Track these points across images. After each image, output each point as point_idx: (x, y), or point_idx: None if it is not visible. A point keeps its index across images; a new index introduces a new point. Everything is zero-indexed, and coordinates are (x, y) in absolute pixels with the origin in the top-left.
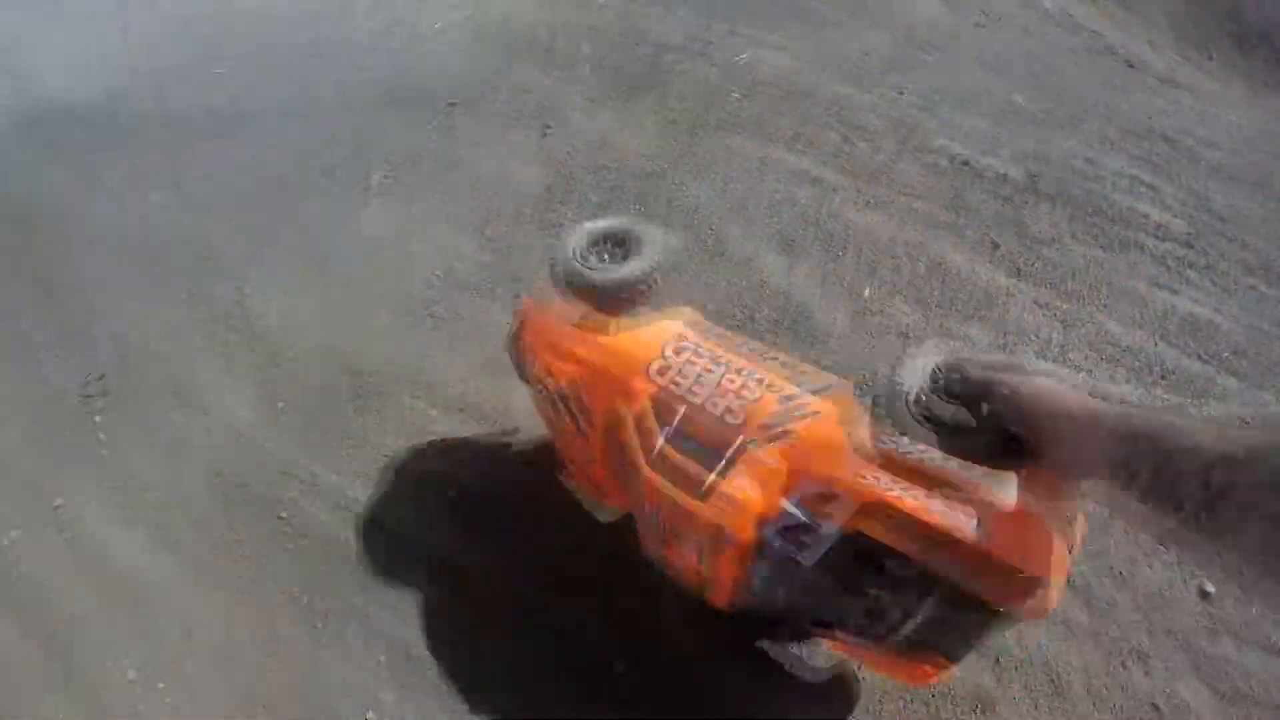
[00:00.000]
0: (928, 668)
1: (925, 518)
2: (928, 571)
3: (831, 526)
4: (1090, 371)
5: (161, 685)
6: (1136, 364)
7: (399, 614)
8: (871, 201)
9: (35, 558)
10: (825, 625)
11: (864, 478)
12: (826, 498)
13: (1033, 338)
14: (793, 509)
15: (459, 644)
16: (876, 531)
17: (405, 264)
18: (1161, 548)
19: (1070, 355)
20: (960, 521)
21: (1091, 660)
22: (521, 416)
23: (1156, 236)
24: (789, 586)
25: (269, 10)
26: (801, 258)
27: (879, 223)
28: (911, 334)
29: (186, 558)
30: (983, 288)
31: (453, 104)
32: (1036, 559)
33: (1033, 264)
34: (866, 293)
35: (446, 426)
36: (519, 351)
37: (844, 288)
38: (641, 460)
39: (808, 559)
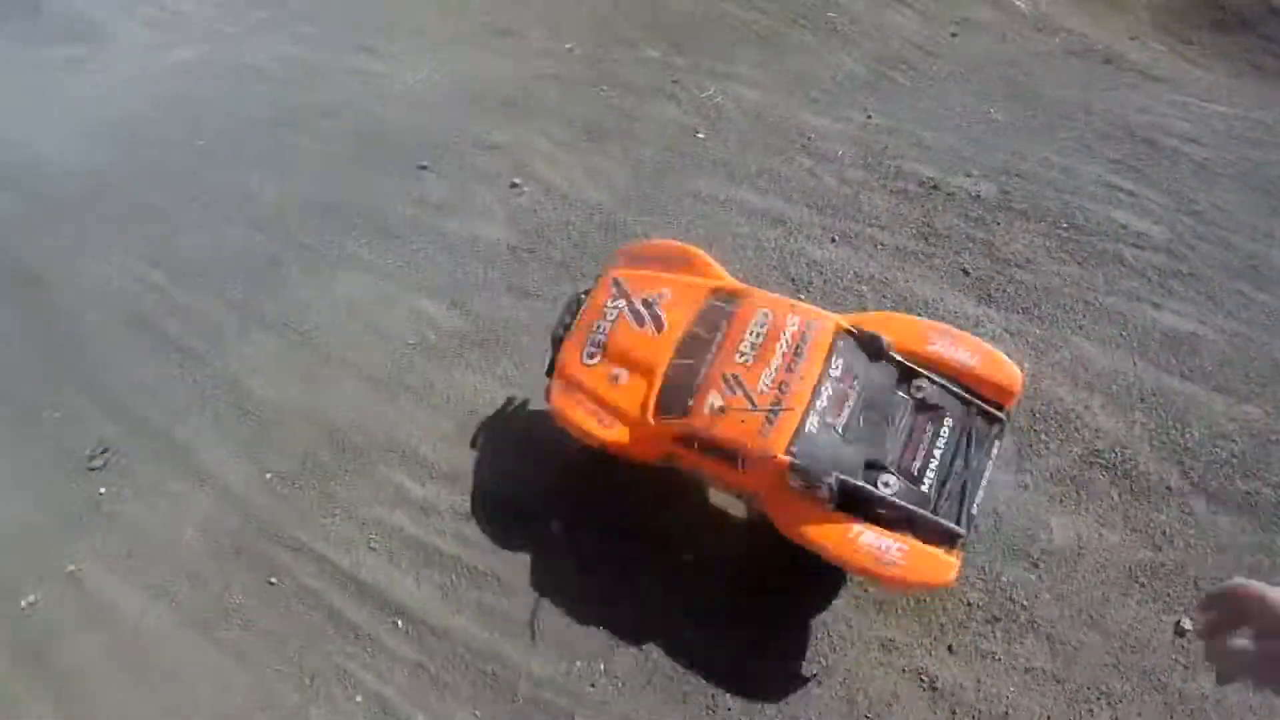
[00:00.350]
0: (941, 558)
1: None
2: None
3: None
4: (1062, 400)
5: None
6: (1114, 388)
7: (381, 673)
8: (837, 236)
9: (52, 618)
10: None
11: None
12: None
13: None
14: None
15: (430, 701)
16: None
17: (380, 333)
18: (1138, 583)
19: (1043, 385)
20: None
21: (1055, 707)
22: (487, 479)
23: (1137, 246)
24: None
25: (246, 84)
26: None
27: (844, 258)
28: None
29: (187, 617)
30: (951, 320)
31: (423, 167)
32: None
33: (1004, 288)
34: None
35: (421, 494)
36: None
37: None
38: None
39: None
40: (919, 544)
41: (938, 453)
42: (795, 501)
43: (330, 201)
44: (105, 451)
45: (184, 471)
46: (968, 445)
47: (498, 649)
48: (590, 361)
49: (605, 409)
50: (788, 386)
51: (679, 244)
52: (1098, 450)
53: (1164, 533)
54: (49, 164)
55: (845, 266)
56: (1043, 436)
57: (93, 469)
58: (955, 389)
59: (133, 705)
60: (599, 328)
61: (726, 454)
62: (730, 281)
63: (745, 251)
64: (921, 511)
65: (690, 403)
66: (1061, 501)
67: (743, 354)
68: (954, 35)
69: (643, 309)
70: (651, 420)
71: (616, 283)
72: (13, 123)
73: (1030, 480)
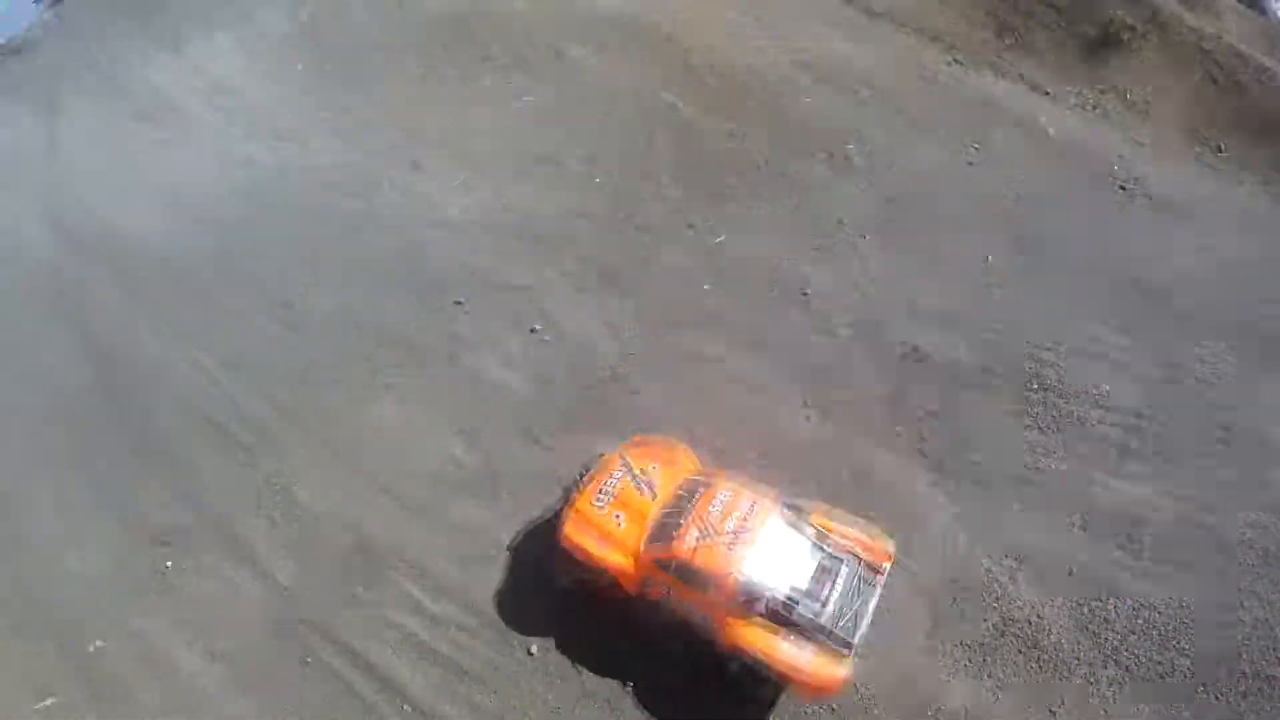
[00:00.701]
0: (837, 664)
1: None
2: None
3: None
4: (989, 571)
5: None
6: (1045, 560)
7: None
8: (813, 408)
9: (115, 665)
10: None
11: None
12: None
13: (938, 542)
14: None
15: None
16: None
17: (408, 458)
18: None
19: (975, 553)
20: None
21: None
22: (485, 600)
23: (1104, 408)
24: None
25: (303, 185)
26: (733, 464)
27: (815, 431)
28: None
29: (233, 679)
30: (902, 495)
31: (459, 303)
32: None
33: (957, 460)
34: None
35: (432, 607)
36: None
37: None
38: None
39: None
40: (821, 653)
41: (837, 592)
42: (738, 614)
43: (368, 320)
44: (167, 544)
45: (240, 560)
46: (858, 588)
47: None
48: (599, 507)
49: (607, 540)
50: (739, 537)
51: (671, 441)
52: (1013, 619)
53: (1062, 701)
54: (127, 238)
55: (816, 436)
56: (960, 605)
57: (162, 544)
58: (850, 549)
59: None
60: (607, 485)
61: (694, 576)
62: (703, 469)
63: (728, 423)
64: (828, 628)
65: (673, 537)
66: (966, 667)
67: (711, 513)
68: (970, 164)
69: (640, 476)
70: (642, 548)
71: (623, 456)
72: (104, 194)
73: (941, 646)
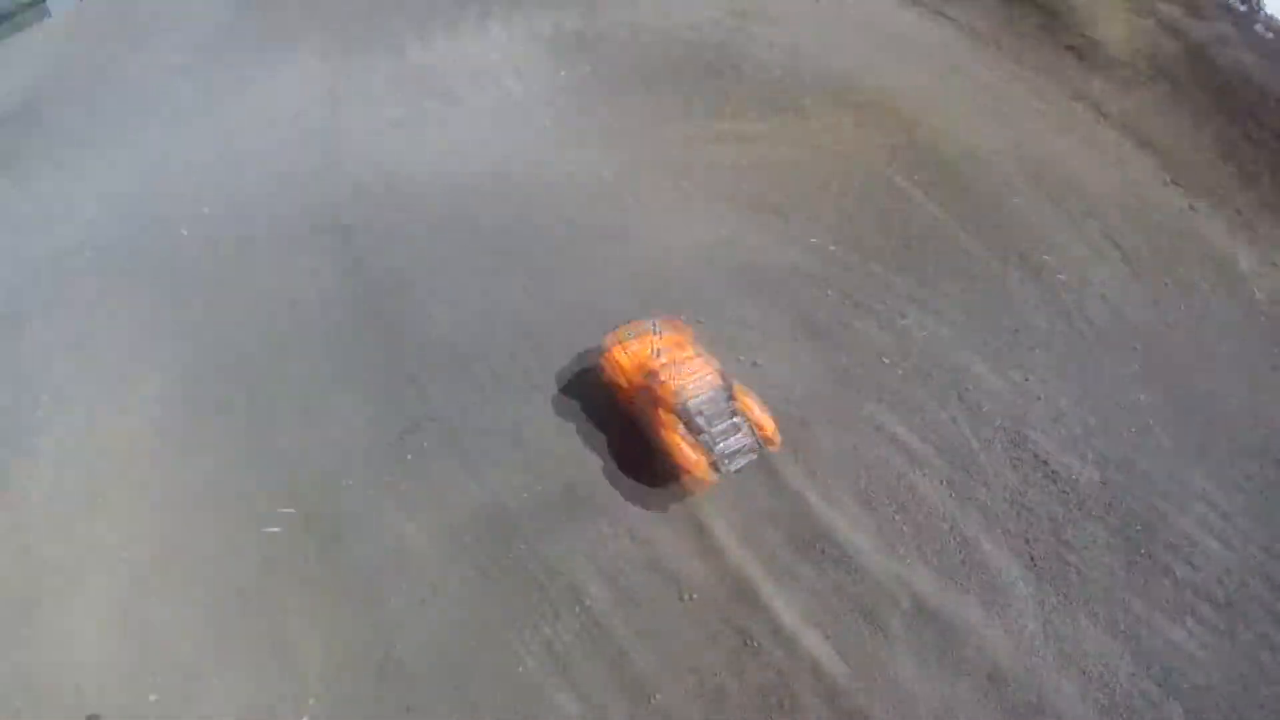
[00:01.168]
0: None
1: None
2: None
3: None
4: (1038, 670)
5: None
6: (1094, 670)
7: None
8: (947, 481)
9: (339, 523)
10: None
11: None
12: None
13: (1014, 622)
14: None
15: None
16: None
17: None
18: None
19: (1036, 648)
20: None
21: None
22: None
23: (1193, 565)
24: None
25: (554, 190)
26: (867, 514)
27: (944, 500)
28: (917, 590)
29: (449, 551)
30: (994, 574)
31: (700, 321)
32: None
33: (1050, 563)
34: (900, 550)
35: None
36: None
37: (882, 538)
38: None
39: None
40: (705, 462)
41: (729, 437)
42: (671, 426)
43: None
44: (417, 430)
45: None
46: (743, 445)
47: None
48: (629, 342)
49: (628, 357)
50: (690, 386)
51: (679, 327)
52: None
53: None
54: (391, 193)
55: (943, 506)
56: (998, 684)
57: (409, 433)
58: (751, 419)
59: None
60: (630, 334)
61: (659, 400)
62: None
63: (875, 470)
64: (715, 452)
65: (656, 375)
66: None
67: (681, 370)
68: (1156, 301)
69: (657, 340)
70: (647, 364)
71: (654, 323)
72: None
73: None
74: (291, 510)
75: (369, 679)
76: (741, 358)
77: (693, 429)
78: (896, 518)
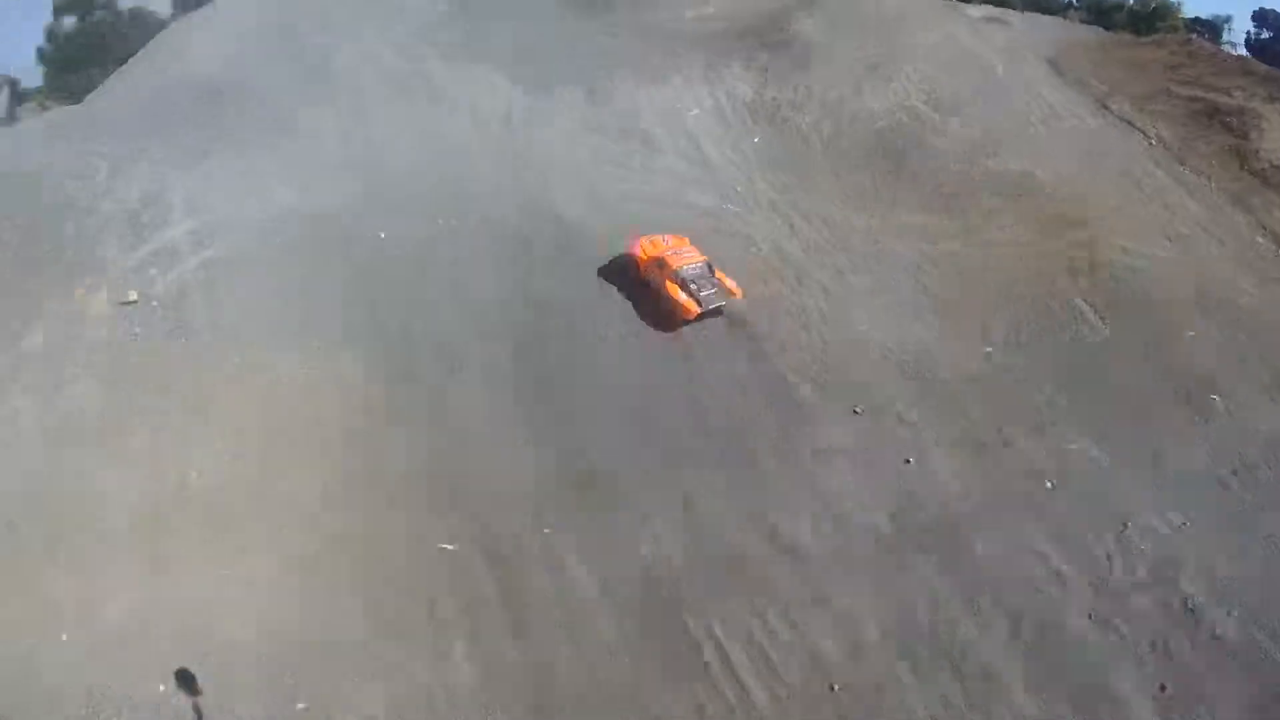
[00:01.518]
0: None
1: None
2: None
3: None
4: None
5: None
6: None
7: None
8: (1092, 614)
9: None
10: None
11: None
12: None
13: None
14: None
15: None
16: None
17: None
18: None
19: None
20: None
21: None
22: None
23: None
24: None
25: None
26: (1012, 635)
27: (1088, 636)
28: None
29: (616, 608)
30: (1125, 707)
31: (857, 411)
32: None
33: (1180, 713)
34: (1039, 677)
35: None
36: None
37: (1028, 664)
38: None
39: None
40: (693, 302)
41: (707, 288)
42: (675, 282)
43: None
44: (589, 483)
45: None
46: (718, 296)
47: None
48: (647, 242)
49: (649, 246)
50: (688, 265)
51: (682, 239)
52: None
53: None
54: (567, 221)
55: (1085, 636)
56: None
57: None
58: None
59: None
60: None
61: (664, 266)
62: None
63: (1019, 589)
64: (700, 298)
65: (664, 255)
66: None
67: (680, 255)
68: None
69: (664, 239)
70: (660, 250)
71: (663, 237)
72: (556, 178)
73: None
74: (452, 548)
75: (520, 711)
76: (898, 454)
77: (684, 288)
78: (1038, 640)
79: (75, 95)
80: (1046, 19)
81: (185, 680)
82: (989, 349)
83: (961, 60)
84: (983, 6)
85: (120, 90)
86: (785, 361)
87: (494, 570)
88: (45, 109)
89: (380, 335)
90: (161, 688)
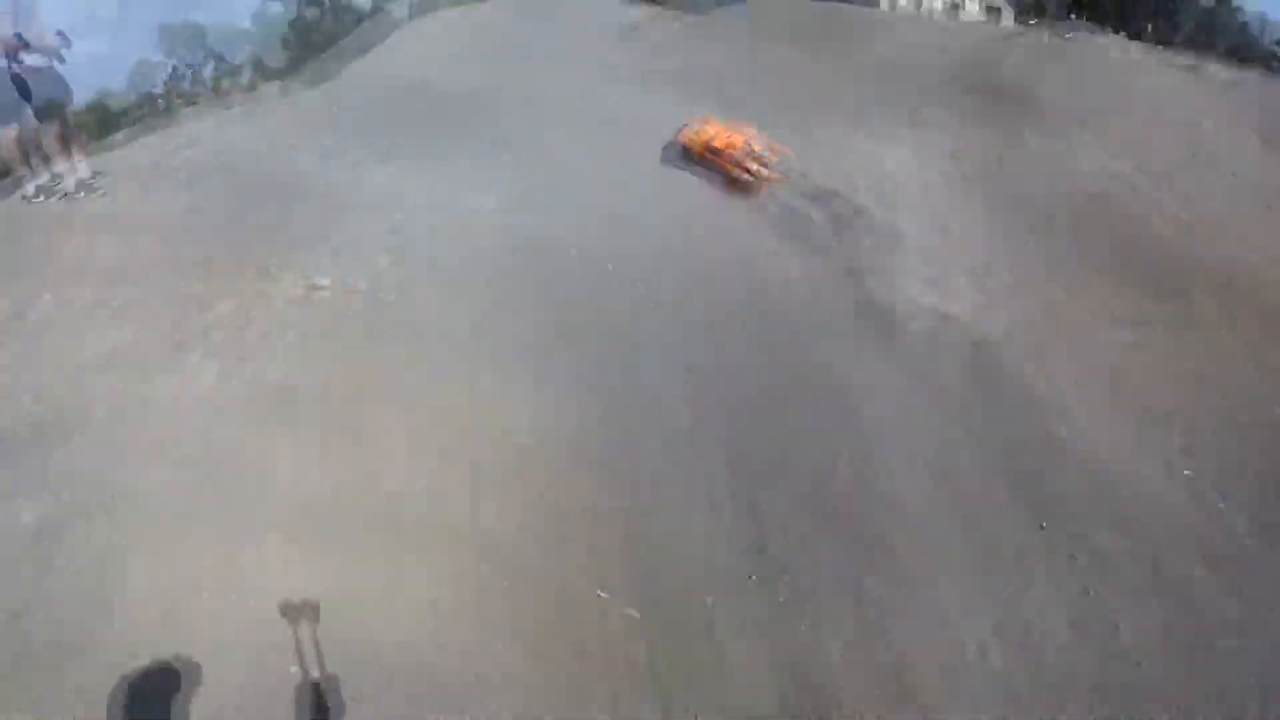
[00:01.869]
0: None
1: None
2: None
3: None
4: None
5: None
6: None
7: None
8: None
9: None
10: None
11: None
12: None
13: None
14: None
15: None
16: None
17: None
18: None
19: None
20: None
21: None
22: None
23: None
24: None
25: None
26: None
27: None
28: None
29: None
30: None
31: (1042, 527)
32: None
33: None
34: None
35: None
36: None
37: None
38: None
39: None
40: (753, 179)
41: (756, 164)
42: (733, 164)
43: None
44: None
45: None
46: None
47: None
48: (691, 125)
49: (694, 134)
50: (738, 144)
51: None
52: None
53: None
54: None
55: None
56: None
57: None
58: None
59: None
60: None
61: (719, 152)
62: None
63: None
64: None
65: (713, 139)
66: None
67: (729, 138)
68: None
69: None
70: (709, 136)
71: (709, 119)
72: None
73: None
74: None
75: None
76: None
77: (736, 165)
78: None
79: (311, 82)
80: (1250, 76)
81: (318, 670)
82: (1187, 471)
83: (1169, 118)
84: (1182, 53)
85: (352, 83)
86: (968, 454)
87: (653, 637)
88: (284, 94)
89: (590, 372)
90: (293, 669)
